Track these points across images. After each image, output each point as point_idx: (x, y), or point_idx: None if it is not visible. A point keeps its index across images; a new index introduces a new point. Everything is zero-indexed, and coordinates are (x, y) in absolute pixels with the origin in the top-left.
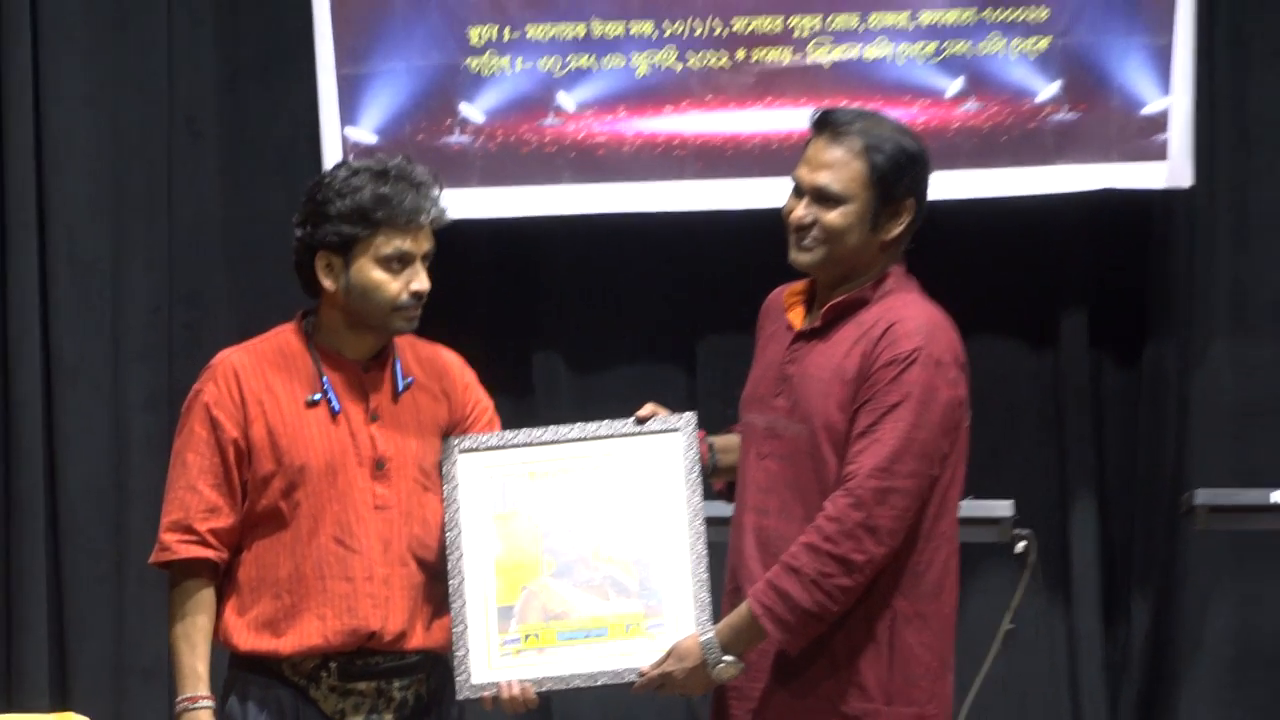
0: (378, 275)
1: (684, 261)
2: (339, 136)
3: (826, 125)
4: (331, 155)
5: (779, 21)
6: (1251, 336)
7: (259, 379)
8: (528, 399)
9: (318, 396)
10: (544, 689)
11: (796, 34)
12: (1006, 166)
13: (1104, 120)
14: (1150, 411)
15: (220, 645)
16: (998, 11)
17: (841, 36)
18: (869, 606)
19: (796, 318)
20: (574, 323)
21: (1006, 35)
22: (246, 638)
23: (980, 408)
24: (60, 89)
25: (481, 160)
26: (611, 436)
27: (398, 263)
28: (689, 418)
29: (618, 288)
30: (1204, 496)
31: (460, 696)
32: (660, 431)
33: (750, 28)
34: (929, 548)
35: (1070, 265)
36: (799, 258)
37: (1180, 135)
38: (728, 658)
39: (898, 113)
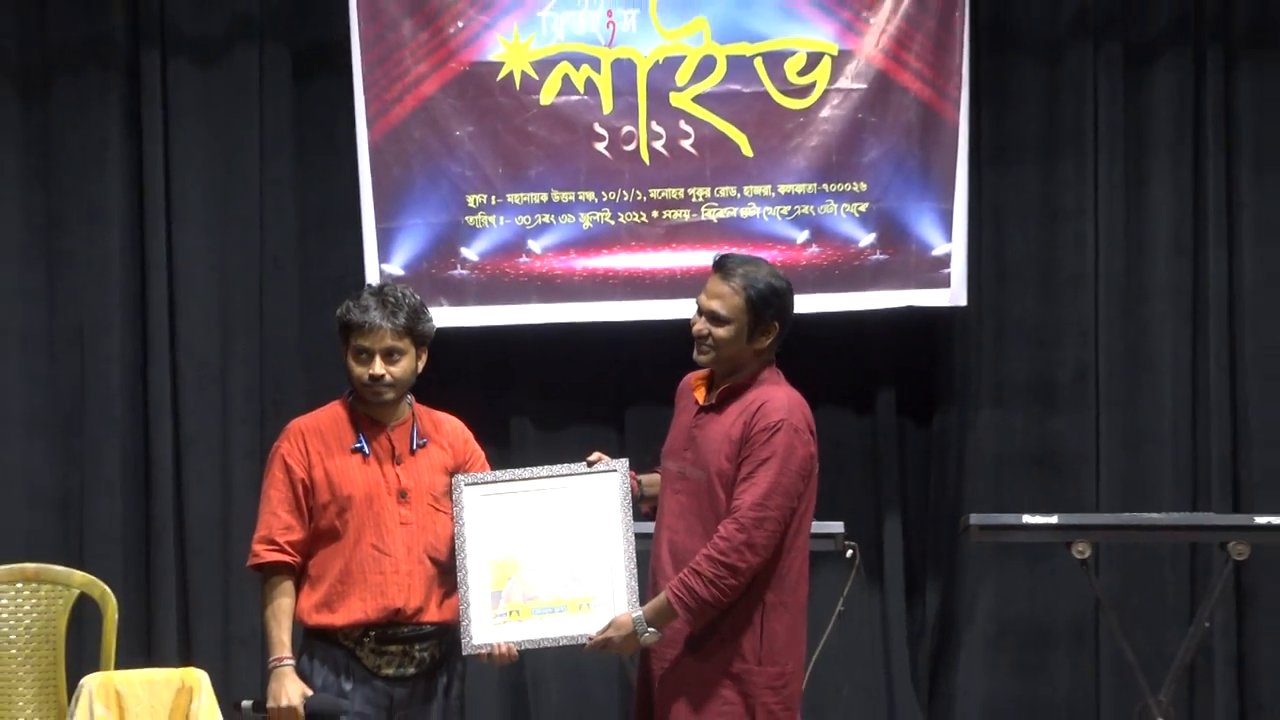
0: (350, 364)
1: (615, 355)
2: (378, 270)
3: (720, 267)
4: (373, 283)
5: (681, 191)
6: (1006, 409)
7: (317, 437)
8: (505, 450)
9: (358, 446)
10: (523, 647)
11: (693, 200)
12: (839, 292)
13: (906, 260)
14: (938, 461)
15: (297, 622)
16: (832, 185)
17: (725, 201)
18: (748, 599)
19: (700, 396)
20: (539, 397)
21: (838, 201)
22: (312, 615)
23: (823, 457)
24: (186, 238)
25: (475, 286)
26: (569, 475)
27: (363, 355)
28: (623, 462)
29: (569, 373)
30: (975, 519)
31: (465, 653)
32: (603, 471)
33: (661, 195)
34: (789, 557)
35: (883, 358)
36: (699, 358)
37: (958, 270)
38: (650, 630)
39: (764, 254)
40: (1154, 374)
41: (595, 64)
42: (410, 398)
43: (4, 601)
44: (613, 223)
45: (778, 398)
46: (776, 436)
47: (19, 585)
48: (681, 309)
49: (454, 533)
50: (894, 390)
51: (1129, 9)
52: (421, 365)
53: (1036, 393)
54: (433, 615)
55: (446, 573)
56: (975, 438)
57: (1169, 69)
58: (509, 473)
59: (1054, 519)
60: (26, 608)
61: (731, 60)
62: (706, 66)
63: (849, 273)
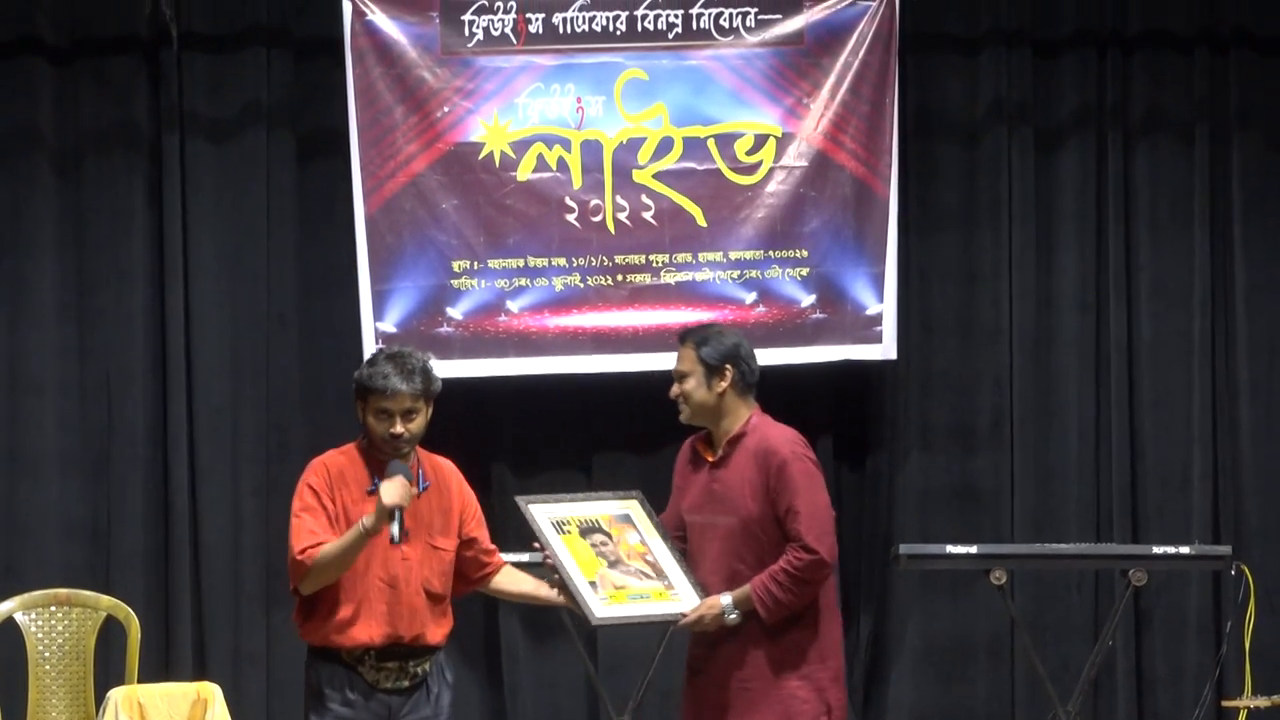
0: (371, 421)
1: (584, 405)
2: (373, 328)
3: (680, 337)
4: (368, 340)
5: (643, 257)
6: (931, 452)
7: (338, 472)
8: (487, 492)
9: (372, 488)
10: (631, 622)
11: (654, 265)
12: (783, 347)
13: (842, 318)
14: (871, 497)
15: (297, 636)
16: (777, 252)
17: (681, 266)
18: (812, 605)
19: (708, 455)
20: (516, 443)
21: (782, 266)
22: (322, 637)
23: None
24: (201, 298)
25: (460, 343)
26: (609, 498)
27: (383, 415)
28: (637, 492)
29: (543, 421)
30: (904, 549)
31: (593, 624)
32: (627, 496)
33: (625, 261)
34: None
35: (822, 407)
36: (681, 418)
37: (889, 327)
38: (735, 613)
39: (715, 313)
40: (1062, 418)
41: (566, 144)
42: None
43: (39, 622)
44: (582, 285)
45: (774, 435)
46: (792, 467)
47: (52, 608)
48: (644, 363)
49: (538, 540)
50: (831, 435)
51: (1039, 98)
52: (429, 417)
53: (958, 436)
54: (429, 639)
55: (439, 601)
56: (904, 476)
57: (1074, 150)
58: (554, 496)
59: (974, 549)
60: (59, 628)
61: (687, 141)
62: (665, 147)
63: (792, 330)
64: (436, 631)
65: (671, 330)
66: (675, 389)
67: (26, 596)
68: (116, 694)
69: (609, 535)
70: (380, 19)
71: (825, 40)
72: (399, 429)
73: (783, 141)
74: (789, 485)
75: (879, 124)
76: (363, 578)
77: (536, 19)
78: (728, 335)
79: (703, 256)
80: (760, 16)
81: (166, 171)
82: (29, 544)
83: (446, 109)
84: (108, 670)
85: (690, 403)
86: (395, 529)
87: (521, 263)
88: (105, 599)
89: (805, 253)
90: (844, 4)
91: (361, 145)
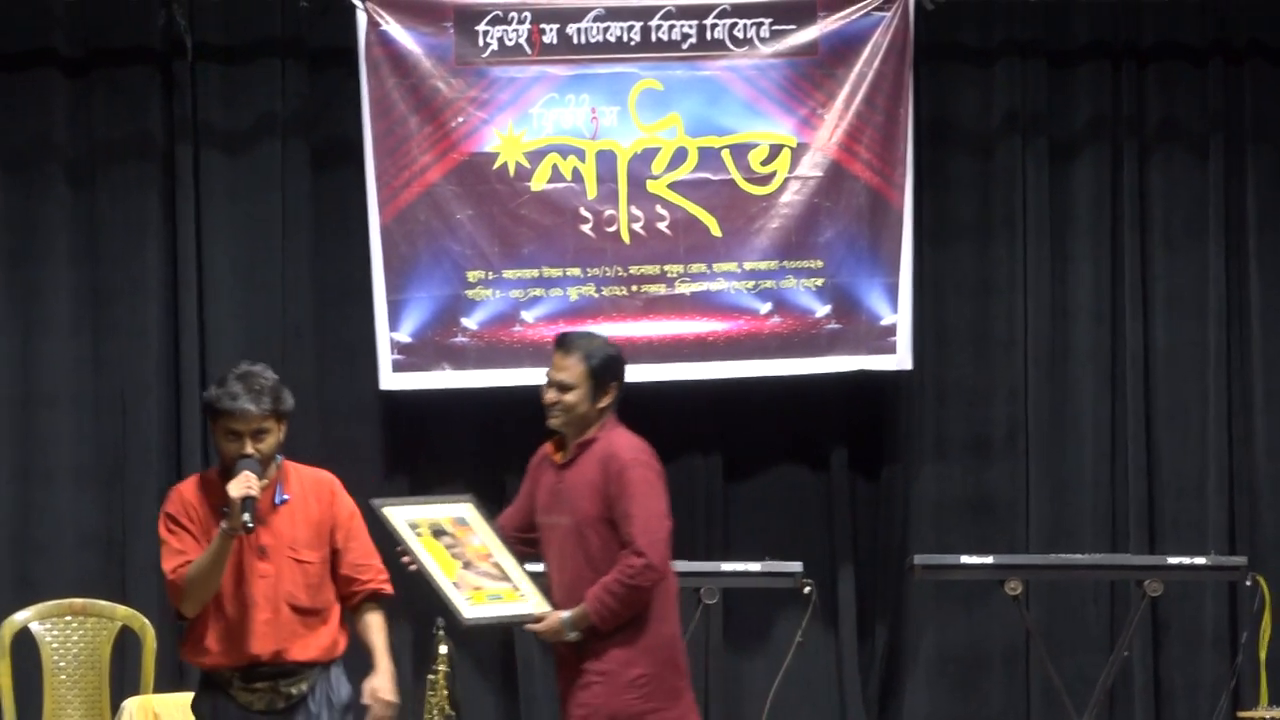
0: (222, 443)
1: None
2: (388, 338)
3: (562, 344)
4: (383, 350)
5: (657, 268)
6: (946, 461)
7: (193, 497)
8: (501, 502)
9: (226, 509)
10: (496, 623)
11: (668, 275)
12: (798, 357)
13: (857, 329)
14: (886, 508)
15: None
16: (791, 262)
17: (696, 277)
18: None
19: (557, 457)
20: (529, 453)
21: (797, 277)
22: (191, 660)
23: (783, 505)
24: (216, 310)
25: (475, 353)
26: (441, 502)
27: (232, 436)
28: (471, 495)
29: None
30: (919, 559)
31: (464, 625)
32: (462, 500)
33: (640, 271)
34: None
35: (837, 417)
36: (551, 423)
37: (903, 338)
38: (573, 634)
39: (731, 324)
40: (1077, 429)
41: (581, 155)
42: (280, 458)
43: (55, 632)
44: (596, 296)
45: (620, 442)
46: (632, 472)
47: (68, 618)
48: (659, 373)
49: (400, 544)
50: (846, 445)
51: (1053, 108)
52: (284, 435)
53: (973, 447)
54: (294, 655)
55: (308, 615)
56: (919, 487)
57: (1089, 161)
58: (401, 499)
59: (989, 559)
60: (75, 638)
61: (702, 151)
62: (680, 157)
63: (806, 341)
64: (307, 648)
65: (687, 341)
66: (553, 396)
67: (42, 606)
68: (132, 704)
69: (455, 537)
70: (394, 29)
71: (839, 50)
72: (249, 449)
73: (797, 152)
74: (626, 490)
75: (893, 134)
76: (221, 599)
77: (551, 29)
78: (611, 348)
79: (717, 267)
80: (774, 27)
81: (180, 182)
82: (44, 555)
83: (461, 119)
84: (123, 680)
85: (570, 413)
86: (246, 517)
87: (536, 273)
88: (121, 609)
89: (820, 263)
90: (858, 14)
91: (376, 155)
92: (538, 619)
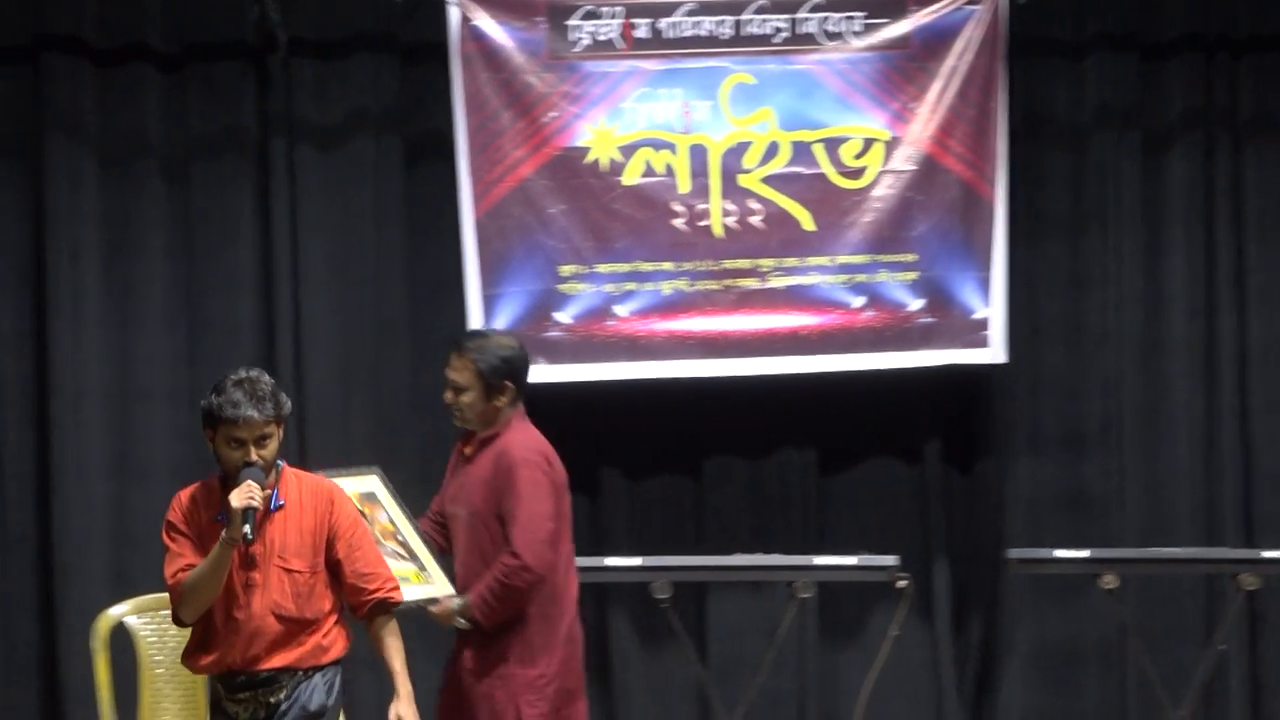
0: (224, 450)
1: (692, 409)
2: None
3: (455, 344)
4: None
5: (750, 262)
6: (1040, 457)
7: (192, 505)
8: (596, 496)
9: (219, 517)
10: (412, 607)
11: (761, 270)
12: (891, 351)
13: (950, 323)
14: (980, 502)
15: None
16: (884, 256)
17: (789, 271)
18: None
19: (465, 450)
20: (625, 447)
21: (890, 270)
22: (186, 660)
23: (877, 499)
24: (310, 304)
25: (569, 347)
26: (349, 474)
27: (235, 443)
28: (375, 468)
29: (652, 426)
30: (1015, 553)
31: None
32: (367, 472)
33: (733, 266)
34: (551, 575)
35: (930, 412)
36: (456, 423)
37: (996, 331)
38: (462, 620)
39: (823, 318)
40: (1172, 423)
41: (673, 149)
42: (281, 464)
43: (151, 626)
44: (690, 290)
45: (517, 440)
46: (519, 473)
47: (164, 612)
48: (752, 367)
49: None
50: (940, 439)
51: (1146, 101)
52: (282, 440)
53: (1067, 441)
54: (272, 663)
55: (295, 624)
56: (1013, 481)
57: (1182, 153)
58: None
59: (1085, 553)
60: (172, 632)
61: (795, 145)
62: (772, 151)
63: (899, 334)
64: (289, 655)
65: (780, 335)
66: (450, 397)
67: (138, 600)
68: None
69: (364, 514)
70: (487, 24)
71: (931, 45)
72: (253, 456)
73: (890, 146)
74: (512, 489)
75: (985, 128)
76: (213, 608)
77: (643, 24)
78: (505, 349)
79: (810, 261)
80: (867, 21)
81: (274, 178)
82: (140, 549)
83: (553, 114)
84: None
85: (466, 414)
86: (247, 528)
87: (629, 267)
88: None
89: (913, 257)
90: (950, 9)
91: (470, 151)
92: (437, 602)
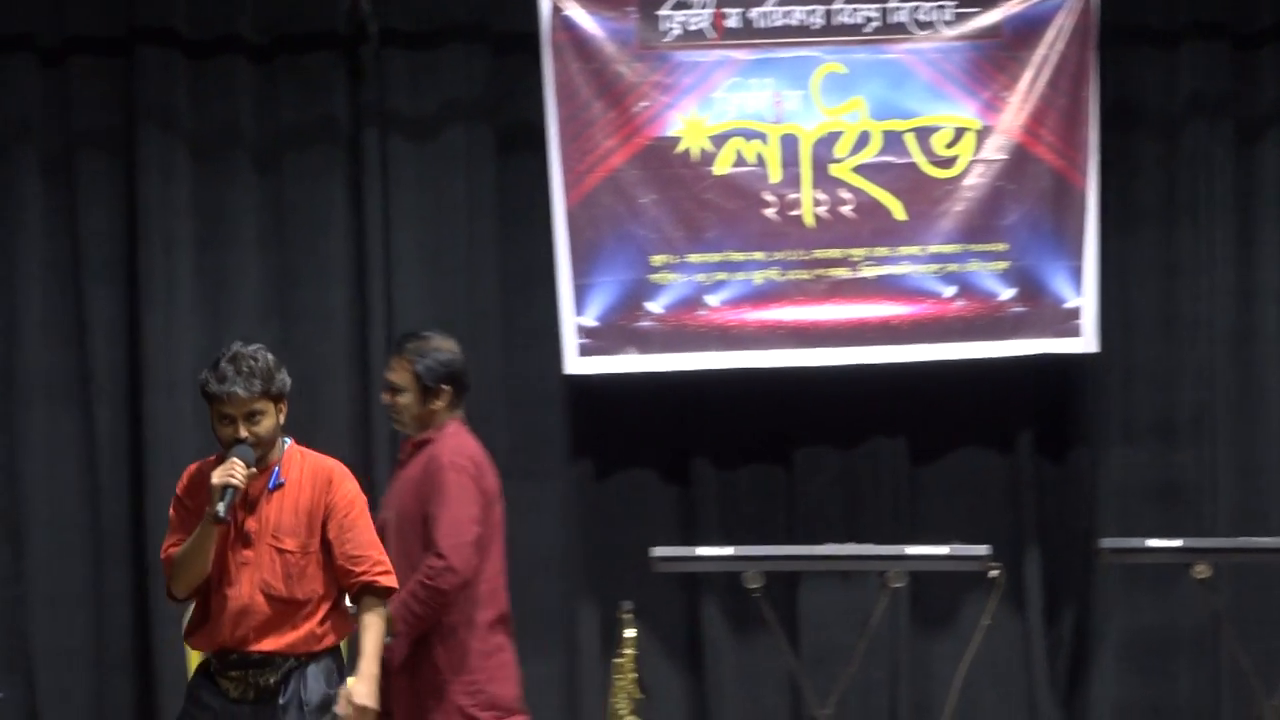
0: (217, 427)
1: (783, 399)
2: (574, 322)
3: (395, 346)
4: (569, 334)
5: (841, 251)
6: (1133, 446)
7: (199, 477)
8: (686, 486)
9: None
10: None
11: (852, 259)
12: (982, 340)
13: (1041, 312)
14: (1072, 492)
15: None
16: (975, 245)
17: (880, 260)
18: (441, 624)
19: (402, 455)
20: (716, 437)
21: (982, 260)
22: (186, 637)
23: (969, 489)
24: (402, 294)
25: (660, 336)
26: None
27: (226, 420)
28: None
29: (744, 416)
30: (1108, 543)
31: None
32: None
33: (824, 255)
34: (476, 581)
35: (1022, 401)
36: (394, 425)
37: (1088, 320)
38: (386, 638)
39: (914, 307)
40: (1264, 412)
41: (764, 139)
42: (288, 441)
43: None
44: (781, 279)
45: (449, 446)
46: (446, 476)
47: None
48: (843, 357)
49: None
50: (1032, 428)
51: (1239, 90)
52: (283, 417)
53: (1159, 429)
54: (264, 646)
55: (285, 605)
56: (1105, 470)
57: (1275, 142)
58: None
59: (1177, 543)
60: None
61: (886, 135)
62: (863, 141)
63: (991, 324)
64: (278, 639)
65: (871, 325)
66: (387, 398)
67: None
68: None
69: None
70: (578, 14)
71: (1023, 33)
72: (243, 433)
73: (981, 135)
74: (438, 491)
75: (1077, 117)
76: (206, 581)
77: (734, 14)
78: (444, 352)
79: (901, 250)
80: (958, 10)
81: (366, 168)
82: None
83: (645, 104)
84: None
85: (403, 415)
86: (221, 506)
87: (720, 257)
88: None
89: (1004, 246)
90: None
91: (561, 141)
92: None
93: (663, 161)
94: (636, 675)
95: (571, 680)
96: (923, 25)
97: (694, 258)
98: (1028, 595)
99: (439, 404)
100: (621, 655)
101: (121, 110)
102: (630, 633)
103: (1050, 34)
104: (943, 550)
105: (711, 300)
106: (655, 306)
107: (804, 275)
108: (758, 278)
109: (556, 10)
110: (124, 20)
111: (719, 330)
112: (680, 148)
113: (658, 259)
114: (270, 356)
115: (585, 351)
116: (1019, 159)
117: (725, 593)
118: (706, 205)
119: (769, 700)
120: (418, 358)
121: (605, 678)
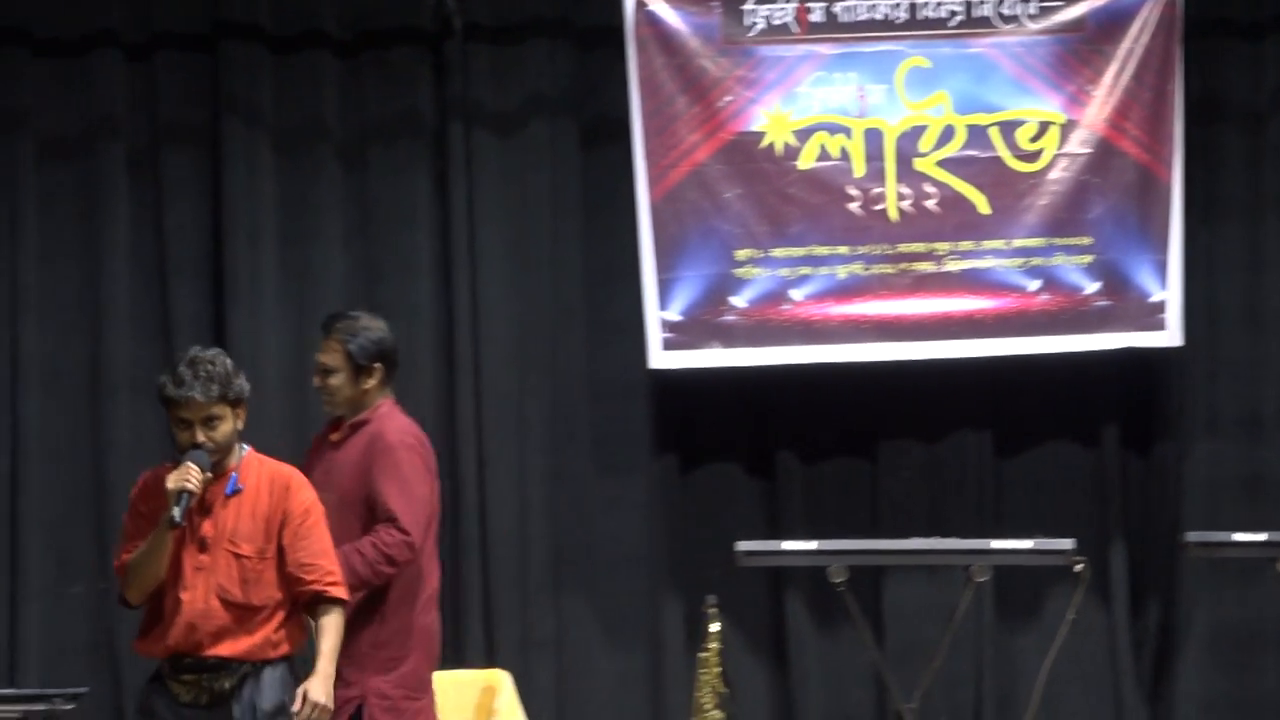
0: (175, 432)
1: (868, 393)
2: (658, 317)
3: (324, 327)
4: (653, 328)
5: (925, 245)
6: (1219, 441)
7: (154, 482)
8: (771, 480)
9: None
10: None
11: (936, 253)
12: (1067, 334)
13: (1126, 305)
14: (1157, 486)
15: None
16: (1060, 239)
17: (965, 255)
18: (371, 596)
19: (332, 436)
20: (800, 431)
21: (1067, 254)
22: (137, 642)
23: (1054, 482)
24: (487, 288)
25: (744, 331)
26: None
27: (183, 424)
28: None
29: (828, 410)
30: (1193, 537)
31: None
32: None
33: (908, 249)
34: (416, 559)
35: (1107, 395)
36: (326, 408)
37: (1174, 314)
38: None
39: (998, 301)
40: None
41: (848, 133)
42: (246, 448)
43: None
44: (865, 274)
45: (392, 425)
46: (398, 455)
47: None
48: (928, 351)
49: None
50: (1117, 422)
51: None
52: (241, 422)
53: (1245, 423)
54: (218, 650)
55: (241, 610)
56: (1191, 464)
57: None
58: None
59: (1263, 536)
60: None
61: (970, 129)
62: (947, 135)
63: (1076, 318)
64: (236, 644)
65: (955, 319)
66: (319, 380)
67: None
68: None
69: None
70: (661, 9)
71: (1107, 27)
72: (200, 437)
73: (1066, 129)
74: (388, 469)
75: (1162, 111)
76: (161, 585)
77: (817, 8)
78: (374, 330)
79: (985, 244)
80: (1041, 4)
81: (451, 163)
82: None
83: (728, 98)
84: None
85: (336, 396)
86: (176, 511)
87: (804, 251)
88: None
89: (1089, 240)
90: None
91: (645, 135)
92: None
93: (747, 156)
94: (721, 670)
95: (656, 675)
96: (1006, 19)
97: (778, 252)
98: (1113, 589)
99: (371, 383)
100: (706, 650)
101: (207, 106)
102: (715, 627)
103: (1135, 28)
104: (1027, 544)
105: (795, 295)
106: (739, 301)
107: (888, 269)
108: (841, 272)
109: (640, 5)
110: (209, 16)
111: (803, 324)
112: (764, 142)
113: (742, 253)
114: (229, 362)
115: (669, 346)
116: (1104, 153)
117: (809, 587)
118: (790, 200)
119: (853, 695)
120: (349, 337)
121: (690, 672)
